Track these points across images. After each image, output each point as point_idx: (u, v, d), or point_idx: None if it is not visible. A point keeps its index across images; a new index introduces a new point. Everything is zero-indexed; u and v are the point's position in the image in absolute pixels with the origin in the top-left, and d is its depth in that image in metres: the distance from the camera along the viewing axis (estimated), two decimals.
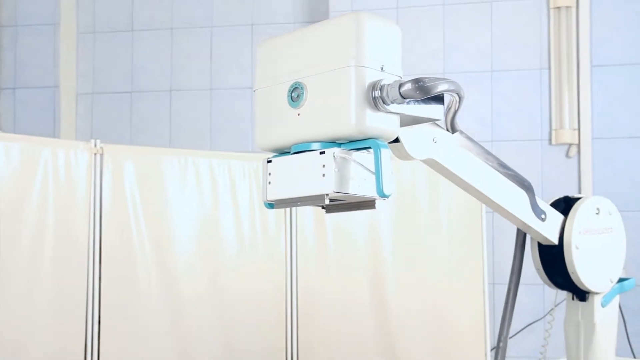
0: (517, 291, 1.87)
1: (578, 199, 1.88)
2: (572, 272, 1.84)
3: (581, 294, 1.93)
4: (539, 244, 1.88)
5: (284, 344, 3.41)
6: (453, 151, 1.50)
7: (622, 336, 3.35)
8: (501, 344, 1.83)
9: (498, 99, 3.87)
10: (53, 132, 4.27)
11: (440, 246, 3.51)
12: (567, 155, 3.75)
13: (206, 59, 4.26)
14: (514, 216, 1.71)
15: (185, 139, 4.25)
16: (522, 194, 1.70)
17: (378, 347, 3.43)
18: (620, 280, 2.02)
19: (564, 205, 1.86)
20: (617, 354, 2.11)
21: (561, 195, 1.90)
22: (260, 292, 3.40)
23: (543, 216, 1.77)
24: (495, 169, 1.61)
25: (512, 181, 1.66)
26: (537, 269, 1.91)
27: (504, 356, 1.86)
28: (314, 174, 1.32)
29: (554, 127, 3.76)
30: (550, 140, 3.79)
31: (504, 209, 1.68)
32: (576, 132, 3.72)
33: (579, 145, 3.73)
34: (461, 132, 1.48)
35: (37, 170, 3.00)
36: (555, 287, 1.95)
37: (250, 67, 4.19)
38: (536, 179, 3.75)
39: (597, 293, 1.93)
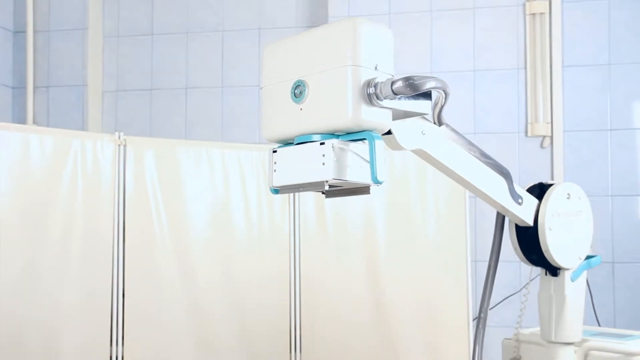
0: (497, 268, 1.88)
1: (551, 185, 1.88)
2: (546, 251, 1.85)
3: (553, 270, 1.94)
4: (516, 226, 1.88)
5: (288, 327, 3.38)
6: (440, 142, 1.50)
7: (589, 307, 3.35)
8: (482, 315, 1.85)
9: (480, 96, 3.85)
10: (82, 125, 4.26)
11: (427, 228, 3.50)
12: (541, 146, 3.74)
13: (218, 60, 4.25)
14: (494, 200, 1.72)
15: (199, 131, 4.24)
16: (501, 180, 1.70)
17: (373, 321, 3.41)
18: (588, 257, 2.02)
19: (539, 190, 1.86)
20: (584, 324, 2.11)
21: (536, 182, 1.91)
22: (267, 278, 3.36)
23: (520, 201, 1.77)
24: (478, 159, 1.61)
25: (492, 169, 1.66)
26: (515, 248, 1.91)
27: (484, 325, 1.86)
28: (315, 163, 1.32)
29: (529, 120, 3.75)
30: (526, 132, 3.78)
31: (485, 194, 1.68)
32: (549, 125, 3.71)
33: (552, 137, 3.71)
34: (447, 125, 1.48)
35: (67, 160, 2.99)
36: (530, 264, 1.95)
37: (257, 66, 4.17)
38: (514, 167, 3.73)
39: (567, 269, 1.94)
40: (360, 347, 3.38)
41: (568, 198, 1.89)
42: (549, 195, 1.84)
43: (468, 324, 3.47)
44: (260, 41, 4.18)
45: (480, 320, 1.86)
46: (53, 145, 2.96)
